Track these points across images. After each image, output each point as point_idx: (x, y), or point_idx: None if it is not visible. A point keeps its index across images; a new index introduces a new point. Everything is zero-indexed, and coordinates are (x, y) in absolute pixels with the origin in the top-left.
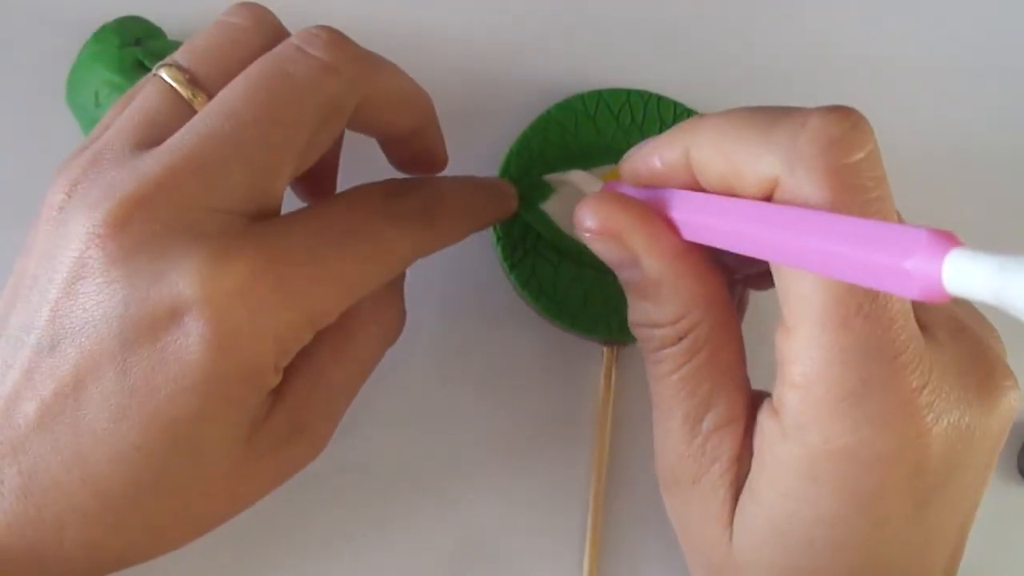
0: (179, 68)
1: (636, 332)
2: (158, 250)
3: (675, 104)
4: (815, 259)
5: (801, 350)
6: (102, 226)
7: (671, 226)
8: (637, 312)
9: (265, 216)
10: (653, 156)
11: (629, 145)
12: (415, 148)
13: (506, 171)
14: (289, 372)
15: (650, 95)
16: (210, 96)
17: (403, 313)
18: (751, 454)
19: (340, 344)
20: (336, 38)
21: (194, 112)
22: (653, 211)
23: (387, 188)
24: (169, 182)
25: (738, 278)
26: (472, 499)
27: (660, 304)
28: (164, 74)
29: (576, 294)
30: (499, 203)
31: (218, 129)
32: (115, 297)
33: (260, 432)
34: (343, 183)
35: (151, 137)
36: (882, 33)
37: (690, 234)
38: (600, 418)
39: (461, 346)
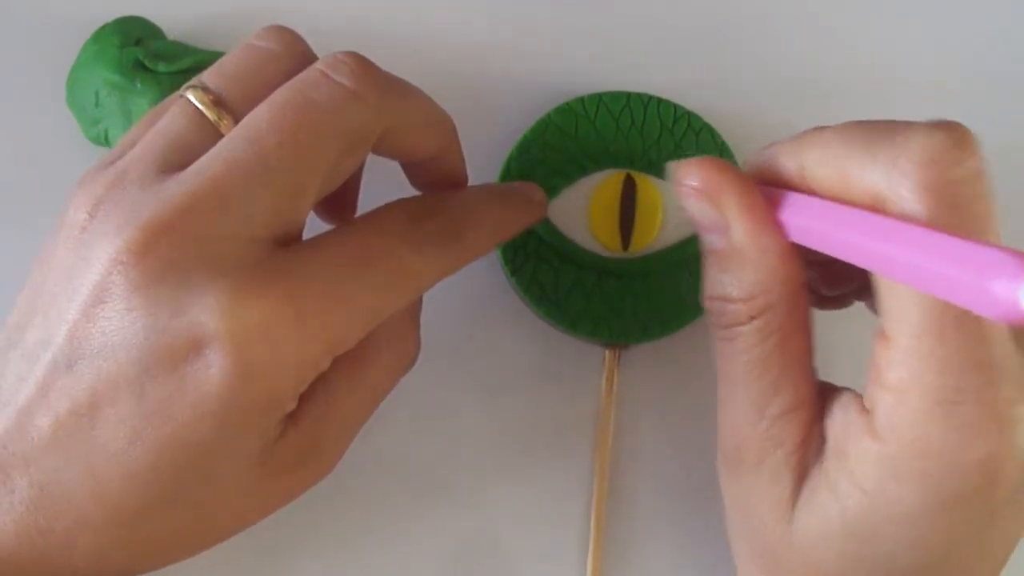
0: (205, 90)
1: (709, 305)
2: (180, 280)
3: (675, 106)
4: (905, 270)
5: (898, 358)
6: (125, 253)
7: (770, 210)
8: (714, 284)
9: (288, 240)
10: (772, 166)
11: (629, 148)
12: (436, 171)
13: (506, 174)
14: (304, 398)
15: (650, 97)
16: (236, 119)
17: (418, 343)
18: (818, 441)
19: (356, 372)
20: (362, 65)
21: (220, 135)
22: (754, 184)
23: (412, 209)
24: (192, 209)
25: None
26: (473, 502)
27: (739, 278)
28: (190, 96)
29: (577, 297)
30: (526, 212)
31: (242, 155)
32: (135, 325)
33: (272, 455)
34: (363, 194)
35: (175, 160)
36: (883, 33)
37: (793, 231)
38: (602, 421)
39: (462, 350)
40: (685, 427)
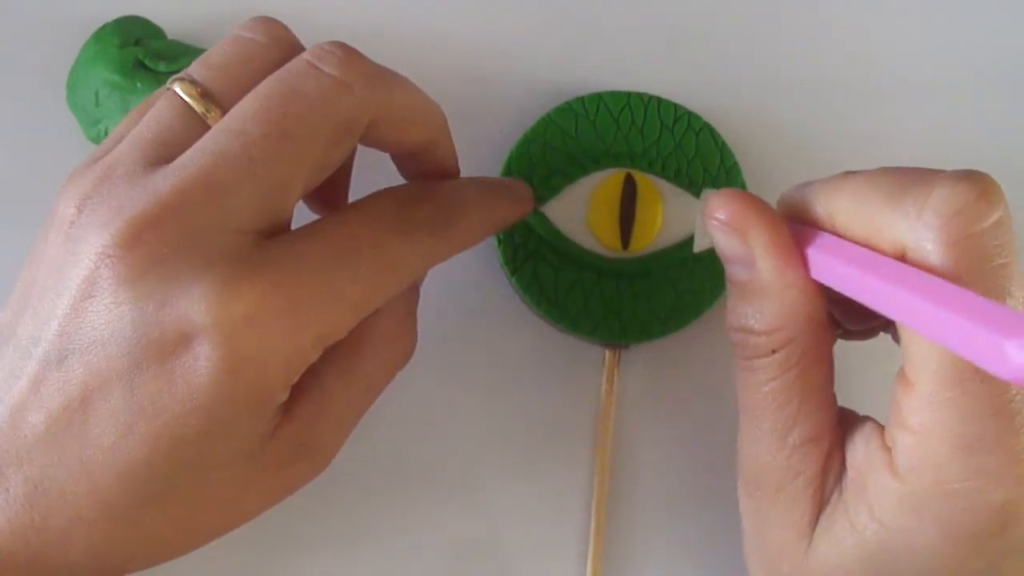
0: (192, 82)
1: (731, 335)
2: (168, 273)
3: (675, 106)
4: (921, 321)
5: (920, 403)
6: (112, 247)
7: (796, 247)
8: (736, 315)
9: (276, 231)
10: (803, 208)
11: (629, 147)
12: (427, 162)
13: (507, 174)
14: (298, 392)
15: (650, 97)
16: (224, 111)
17: (415, 336)
18: (838, 469)
19: (351, 366)
20: (350, 55)
21: (207, 127)
22: (781, 220)
23: (400, 197)
24: (178, 203)
25: (838, 333)
26: (474, 502)
27: (761, 311)
28: (177, 88)
29: (577, 297)
30: (515, 205)
31: (228, 148)
32: (124, 319)
33: (266, 449)
34: (354, 186)
35: (163, 153)
36: (883, 34)
37: (817, 269)
38: (602, 421)
39: (462, 349)
40: (685, 427)
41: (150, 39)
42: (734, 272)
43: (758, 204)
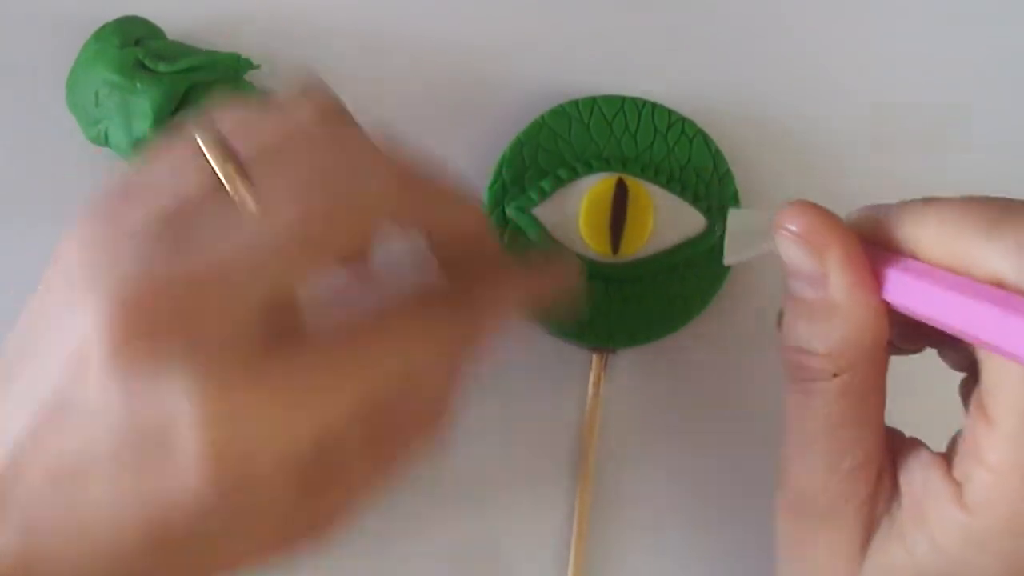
0: (228, 158)
1: (787, 356)
2: (159, 366)
3: (670, 112)
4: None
5: (1001, 440)
6: (105, 330)
7: (870, 266)
8: (797, 335)
9: (283, 330)
10: (881, 233)
11: (622, 152)
12: (462, 252)
13: (499, 176)
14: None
15: (645, 103)
16: (256, 196)
17: (449, 417)
18: (888, 492)
19: (371, 450)
20: (397, 173)
21: (235, 210)
22: (856, 238)
23: (427, 299)
24: (183, 292)
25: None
26: (455, 504)
27: (826, 332)
28: (211, 159)
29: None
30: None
31: (254, 240)
32: (110, 415)
33: (267, 529)
34: None
35: (178, 223)
36: (878, 43)
37: (893, 291)
38: (587, 425)
39: None
40: (671, 432)
41: (150, 39)
42: (798, 289)
43: (833, 219)
